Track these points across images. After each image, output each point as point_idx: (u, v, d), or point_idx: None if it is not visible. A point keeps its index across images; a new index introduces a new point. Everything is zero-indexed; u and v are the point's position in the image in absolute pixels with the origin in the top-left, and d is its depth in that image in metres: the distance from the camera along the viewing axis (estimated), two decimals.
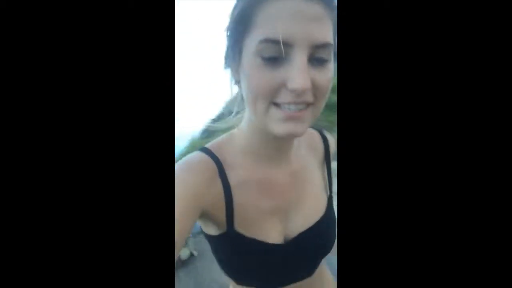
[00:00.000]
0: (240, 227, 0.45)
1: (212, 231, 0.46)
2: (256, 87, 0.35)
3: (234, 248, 0.45)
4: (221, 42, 0.40)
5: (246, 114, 0.46)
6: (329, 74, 0.36)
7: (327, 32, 0.34)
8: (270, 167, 0.47)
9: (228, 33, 0.38)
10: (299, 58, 0.33)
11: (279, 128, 0.36)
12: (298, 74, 0.32)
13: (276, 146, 0.46)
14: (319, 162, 0.55)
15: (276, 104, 0.36)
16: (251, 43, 0.34)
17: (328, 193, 0.55)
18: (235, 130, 0.49)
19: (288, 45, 0.32)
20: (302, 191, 0.50)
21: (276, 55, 0.33)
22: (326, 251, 0.52)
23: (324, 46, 0.34)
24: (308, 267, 0.52)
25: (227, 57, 0.41)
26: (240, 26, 0.35)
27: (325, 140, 0.57)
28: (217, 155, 0.45)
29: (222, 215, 0.44)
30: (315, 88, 0.35)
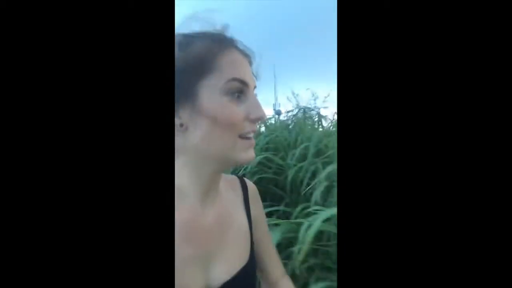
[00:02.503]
0: None
1: None
2: (225, 121, 0.41)
3: None
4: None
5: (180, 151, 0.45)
6: None
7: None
8: (195, 208, 0.47)
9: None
10: (252, 94, 0.43)
11: (246, 156, 0.43)
12: (258, 105, 0.43)
13: (206, 185, 0.46)
14: (241, 208, 0.55)
15: (241, 136, 0.42)
16: (215, 84, 0.41)
17: (250, 239, 0.54)
18: None
19: (246, 84, 0.42)
20: (225, 237, 0.49)
21: (240, 91, 0.42)
22: None
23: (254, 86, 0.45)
24: None
25: (178, 100, 0.41)
26: (196, 69, 0.41)
27: (244, 187, 0.57)
28: None
29: None
30: None
